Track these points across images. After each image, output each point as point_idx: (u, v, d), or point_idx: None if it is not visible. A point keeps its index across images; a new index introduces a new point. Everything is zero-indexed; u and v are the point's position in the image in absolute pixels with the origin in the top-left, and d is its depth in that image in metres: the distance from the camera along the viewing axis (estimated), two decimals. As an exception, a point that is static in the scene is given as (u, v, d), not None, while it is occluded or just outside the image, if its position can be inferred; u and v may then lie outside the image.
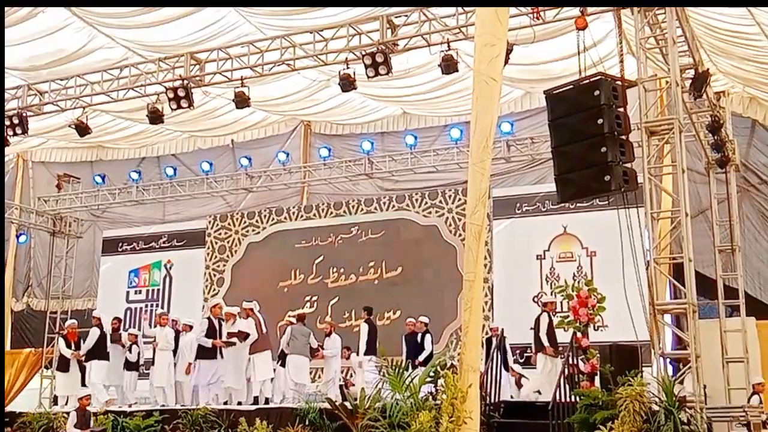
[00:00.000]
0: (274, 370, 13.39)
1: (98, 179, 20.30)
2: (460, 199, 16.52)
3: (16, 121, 14.73)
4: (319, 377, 15.29)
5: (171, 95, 13.64)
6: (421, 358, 13.33)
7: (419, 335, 13.71)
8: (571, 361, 10.06)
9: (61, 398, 14.86)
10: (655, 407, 8.65)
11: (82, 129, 15.45)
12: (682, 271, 9.53)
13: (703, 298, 12.62)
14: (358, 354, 14.11)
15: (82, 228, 21.23)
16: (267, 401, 12.65)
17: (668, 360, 9.70)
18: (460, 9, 12.01)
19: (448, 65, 12.46)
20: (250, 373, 12.99)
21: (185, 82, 13.62)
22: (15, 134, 14.98)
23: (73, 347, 14.71)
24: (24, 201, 21.88)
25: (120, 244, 20.19)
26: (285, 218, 18.58)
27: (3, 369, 12.29)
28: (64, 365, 14.79)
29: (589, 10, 11.05)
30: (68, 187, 20.54)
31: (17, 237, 21.22)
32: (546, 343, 12.22)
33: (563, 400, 9.63)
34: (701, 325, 9.75)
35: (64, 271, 20.49)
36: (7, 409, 14.10)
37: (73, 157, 22.20)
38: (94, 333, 14.49)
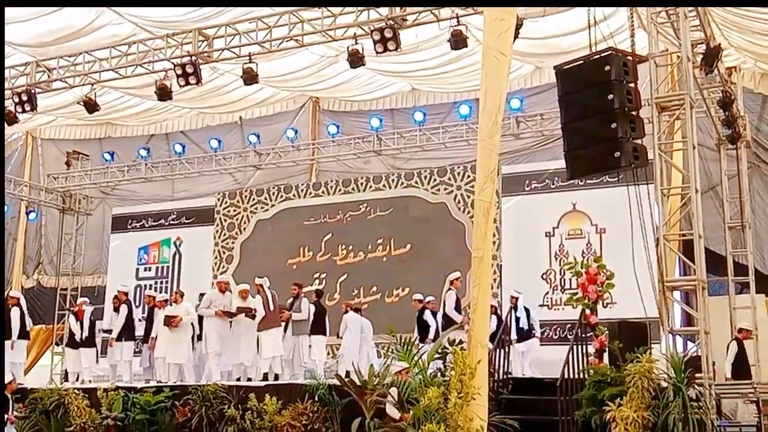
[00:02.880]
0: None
1: (107, 156, 20.34)
2: (468, 177, 16.45)
3: (24, 98, 14.74)
4: (328, 354, 15.36)
5: (179, 71, 13.62)
6: (431, 334, 13.46)
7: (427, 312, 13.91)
8: (579, 338, 10.06)
9: (71, 374, 14.96)
10: (664, 384, 8.65)
11: (91, 106, 15.46)
12: (691, 247, 9.49)
13: (712, 275, 12.56)
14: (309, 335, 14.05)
15: (92, 205, 21.30)
16: (276, 377, 12.70)
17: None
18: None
19: (458, 41, 12.39)
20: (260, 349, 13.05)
21: (193, 58, 13.59)
22: (24, 111, 15.00)
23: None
24: (33, 178, 21.95)
25: (129, 222, 20.22)
26: (294, 195, 18.56)
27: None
28: (73, 342, 14.89)
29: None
30: (77, 165, 20.60)
31: (27, 214, 21.29)
32: None
33: (571, 376, 9.64)
34: (710, 302, 9.73)
35: (74, 248, 20.59)
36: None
37: (81, 134, 22.22)
38: (123, 311, 14.54)
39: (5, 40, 16.20)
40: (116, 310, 14.68)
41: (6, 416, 11.55)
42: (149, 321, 14.43)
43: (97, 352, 15.14)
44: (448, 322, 12.70)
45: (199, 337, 13.77)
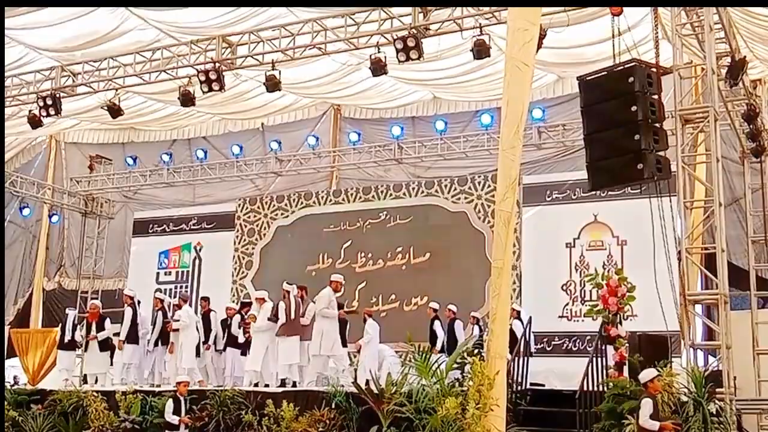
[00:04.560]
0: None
1: (130, 161, 20.47)
2: (489, 186, 16.39)
3: (49, 102, 14.88)
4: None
5: (202, 78, 13.70)
6: (437, 346, 13.45)
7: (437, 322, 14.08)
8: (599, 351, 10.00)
9: (90, 377, 15.07)
10: (684, 398, 8.58)
11: (115, 110, 15.58)
12: (714, 261, 9.42)
13: (734, 289, 12.44)
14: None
15: (114, 209, 21.43)
16: (294, 384, 12.69)
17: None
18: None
19: (480, 50, 12.36)
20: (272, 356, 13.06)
21: (217, 64, 13.66)
22: (48, 115, 15.14)
23: (95, 328, 14.92)
24: (57, 181, 22.14)
25: (151, 226, 20.32)
26: (314, 202, 18.57)
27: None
28: (86, 344, 15.09)
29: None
30: (100, 168, 20.74)
31: (50, 217, 21.46)
32: None
33: (591, 389, 9.58)
34: (732, 317, 9.65)
35: (95, 251, 20.70)
36: (38, 386, 14.32)
37: (105, 139, 22.41)
38: (128, 314, 14.68)
39: (31, 44, 16.41)
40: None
41: (179, 418, 11.55)
42: (155, 324, 14.72)
43: (113, 354, 15.25)
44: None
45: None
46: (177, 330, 14.10)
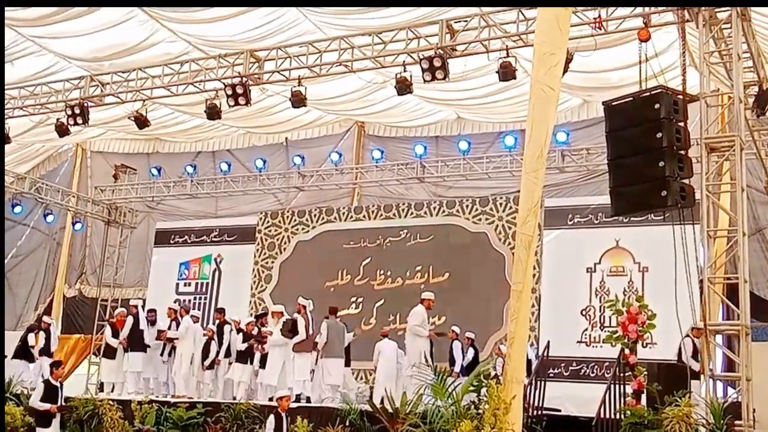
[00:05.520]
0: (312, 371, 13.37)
1: (154, 171, 20.62)
2: (510, 208, 16.38)
3: (77, 111, 15.02)
4: (361, 378, 15.35)
5: (229, 92, 13.79)
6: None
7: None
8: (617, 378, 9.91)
9: (106, 385, 15.15)
10: (702, 429, 8.47)
11: (141, 121, 15.71)
12: (736, 291, 9.33)
13: (756, 320, 12.31)
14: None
15: (137, 218, 21.57)
16: (308, 400, 12.68)
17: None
18: (521, 16, 11.93)
19: (506, 72, 12.34)
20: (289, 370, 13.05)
21: (244, 79, 13.75)
22: (76, 124, 15.27)
23: (120, 336, 15.05)
24: (82, 189, 22.31)
25: (172, 237, 20.44)
26: (335, 218, 18.63)
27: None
28: (110, 352, 15.13)
29: (653, 21, 10.89)
30: (125, 178, 20.91)
31: (73, 224, 21.66)
32: None
33: (608, 416, 9.49)
34: (753, 348, 9.54)
35: (117, 260, 20.83)
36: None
37: (130, 149, 22.57)
38: (128, 322, 14.90)
39: (61, 53, 16.61)
40: (152, 323, 15.03)
41: None
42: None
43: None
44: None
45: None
46: (172, 340, 14.39)
